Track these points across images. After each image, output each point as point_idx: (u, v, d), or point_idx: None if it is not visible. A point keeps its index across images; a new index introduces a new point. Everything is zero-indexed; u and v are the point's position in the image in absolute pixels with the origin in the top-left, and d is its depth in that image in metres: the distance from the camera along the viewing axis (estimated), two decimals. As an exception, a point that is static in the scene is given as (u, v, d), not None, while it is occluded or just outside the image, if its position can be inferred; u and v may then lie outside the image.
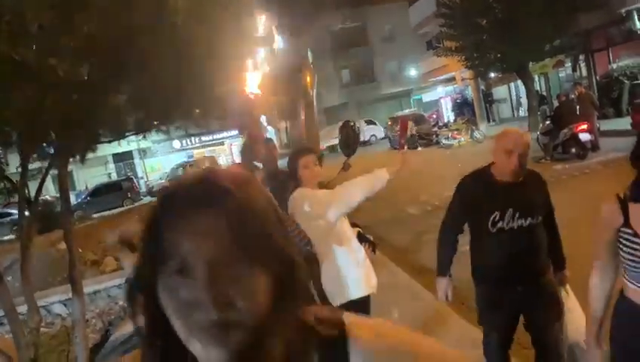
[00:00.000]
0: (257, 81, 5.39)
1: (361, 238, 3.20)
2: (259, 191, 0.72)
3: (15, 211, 20.99)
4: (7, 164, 4.80)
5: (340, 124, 4.93)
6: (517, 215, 2.56)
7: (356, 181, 3.03)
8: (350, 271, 3.07)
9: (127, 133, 5.60)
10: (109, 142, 5.34)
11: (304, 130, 5.00)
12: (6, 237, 19.10)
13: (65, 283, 8.54)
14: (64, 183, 5.10)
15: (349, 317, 0.75)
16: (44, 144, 4.85)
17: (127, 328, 5.35)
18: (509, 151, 2.52)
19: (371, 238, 3.27)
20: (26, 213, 4.78)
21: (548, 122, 12.83)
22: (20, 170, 4.33)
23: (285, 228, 0.73)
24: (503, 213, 2.55)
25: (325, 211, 2.98)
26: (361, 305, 3.07)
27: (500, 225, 2.55)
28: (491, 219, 2.55)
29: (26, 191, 4.50)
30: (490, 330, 2.84)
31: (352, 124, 5.14)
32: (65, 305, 7.44)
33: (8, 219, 19.86)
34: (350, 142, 4.61)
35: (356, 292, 3.08)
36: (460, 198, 2.77)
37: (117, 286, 7.92)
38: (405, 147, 3.10)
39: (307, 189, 3.10)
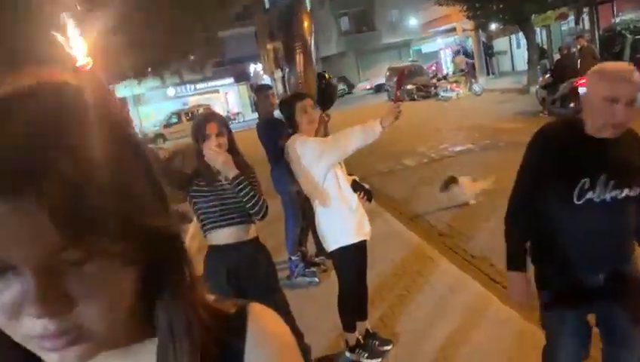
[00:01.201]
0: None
1: (356, 187, 3.21)
2: (115, 137, 0.50)
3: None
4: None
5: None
6: (611, 183, 1.92)
7: (349, 131, 3.04)
8: (342, 218, 3.11)
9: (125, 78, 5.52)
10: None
11: (302, 79, 4.91)
12: None
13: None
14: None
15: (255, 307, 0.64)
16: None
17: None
18: (611, 98, 1.84)
19: (367, 187, 3.27)
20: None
21: (548, 75, 12.71)
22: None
23: (160, 190, 0.55)
24: (595, 179, 1.90)
25: (318, 159, 3.01)
26: (352, 252, 3.14)
27: (589, 195, 1.91)
28: (579, 186, 1.91)
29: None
30: (559, 334, 2.13)
31: (327, 76, 5.11)
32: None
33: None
34: (326, 95, 4.60)
35: (347, 239, 3.13)
36: (541, 155, 2.01)
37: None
38: (400, 100, 3.05)
39: (302, 135, 3.10)
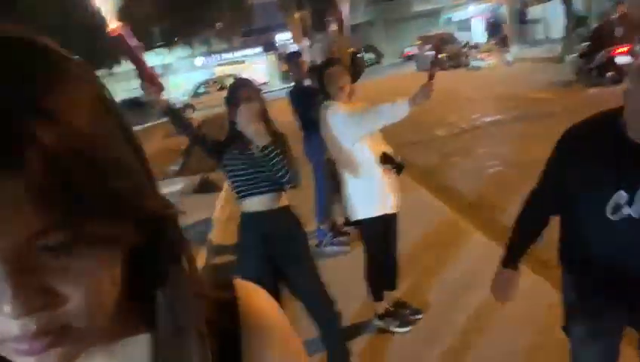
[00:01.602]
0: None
1: (387, 159, 3.15)
2: (97, 112, 0.44)
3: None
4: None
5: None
6: None
7: (378, 107, 3.01)
8: (365, 190, 3.11)
9: (154, 45, 5.52)
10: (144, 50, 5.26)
11: (335, 47, 4.83)
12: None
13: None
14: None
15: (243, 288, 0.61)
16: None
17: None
18: None
19: (398, 159, 3.20)
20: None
21: (584, 44, 12.26)
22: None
23: (149, 168, 0.49)
24: (634, 192, 1.56)
25: (346, 130, 2.99)
26: (375, 224, 3.13)
27: (626, 210, 1.58)
28: (613, 199, 1.59)
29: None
30: (588, 351, 1.90)
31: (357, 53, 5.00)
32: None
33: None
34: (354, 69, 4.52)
35: (369, 211, 3.12)
36: (566, 160, 1.72)
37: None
38: (433, 78, 2.93)
39: (334, 103, 3.06)
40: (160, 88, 2.66)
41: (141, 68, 2.55)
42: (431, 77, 2.91)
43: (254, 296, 0.61)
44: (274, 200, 2.58)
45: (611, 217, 1.62)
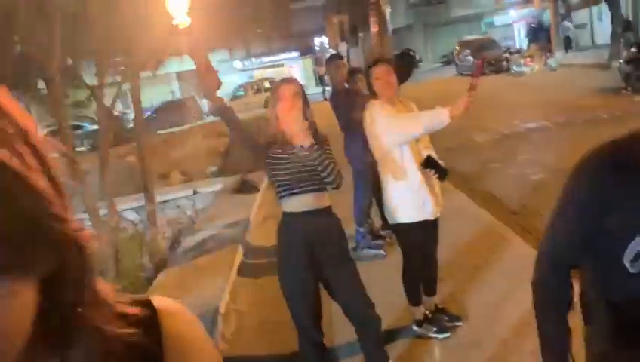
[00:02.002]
0: None
1: (431, 163, 3.08)
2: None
3: (85, 124, 22.02)
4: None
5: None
6: None
7: (418, 115, 2.97)
8: (402, 195, 3.06)
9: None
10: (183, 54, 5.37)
11: (377, 47, 4.83)
12: (78, 149, 20.14)
13: (137, 193, 9.03)
14: (137, 95, 5.23)
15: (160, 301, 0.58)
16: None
17: (197, 235, 5.64)
18: None
19: (442, 164, 3.13)
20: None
21: (633, 49, 11.86)
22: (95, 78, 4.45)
23: (61, 186, 0.46)
24: None
25: (382, 136, 2.96)
26: (412, 230, 3.09)
27: None
28: (631, 246, 1.15)
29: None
30: None
31: (411, 53, 4.94)
32: (136, 212, 7.87)
33: (80, 131, 20.81)
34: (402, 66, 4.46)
35: (406, 217, 3.07)
36: (585, 193, 1.22)
37: (185, 198, 8.27)
38: (474, 89, 2.82)
39: (377, 103, 3.04)
40: (218, 84, 2.69)
41: (200, 63, 2.58)
42: (472, 88, 2.80)
43: (177, 316, 0.59)
44: (318, 200, 2.57)
45: (631, 269, 1.17)
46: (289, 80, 2.72)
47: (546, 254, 1.41)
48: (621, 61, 12.12)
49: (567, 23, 23.44)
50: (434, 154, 3.13)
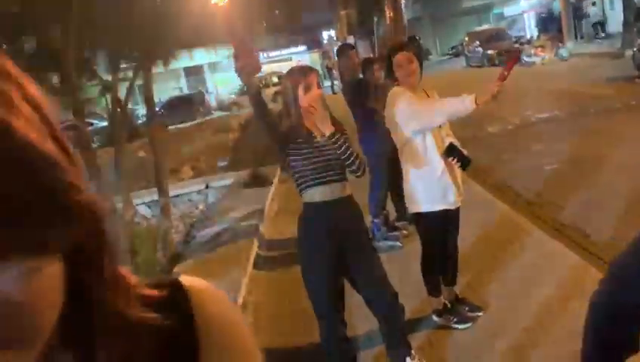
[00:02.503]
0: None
1: (453, 151, 3.04)
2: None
3: (96, 121, 22.15)
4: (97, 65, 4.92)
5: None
6: None
7: (443, 102, 2.91)
8: (424, 184, 3.02)
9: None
10: (193, 47, 5.36)
11: (392, 30, 4.77)
12: (90, 145, 20.22)
13: (148, 188, 9.06)
14: (149, 90, 5.23)
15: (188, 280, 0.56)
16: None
17: (210, 229, 5.64)
18: None
19: (465, 152, 3.08)
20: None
21: (647, 38, 11.71)
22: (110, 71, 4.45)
23: (74, 156, 0.43)
24: None
25: (408, 119, 2.91)
26: (432, 219, 3.06)
27: None
28: None
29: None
30: None
31: (418, 38, 4.86)
32: (149, 207, 7.90)
33: (90, 128, 20.92)
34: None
35: (427, 206, 3.04)
36: None
37: (197, 192, 8.29)
38: (505, 79, 2.77)
39: (399, 90, 2.99)
40: (258, 67, 2.66)
41: (239, 43, 2.55)
42: (502, 77, 2.75)
43: (208, 296, 0.56)
44: (341, 190, 2.55)
45: None
46: (307, 67, 2.69)
47: (614, 294, 1.34)
48: (635, 49, 11.96)
49: (594, 9, 23.13)
50: (456, 142, 3.09)
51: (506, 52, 21.83)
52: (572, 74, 15.17)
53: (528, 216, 4.93)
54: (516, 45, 22.20)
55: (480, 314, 3.27)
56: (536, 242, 4.24)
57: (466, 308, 3.29)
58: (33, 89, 0.42)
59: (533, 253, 4.02)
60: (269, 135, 2.60)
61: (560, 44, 19.72)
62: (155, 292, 0.51)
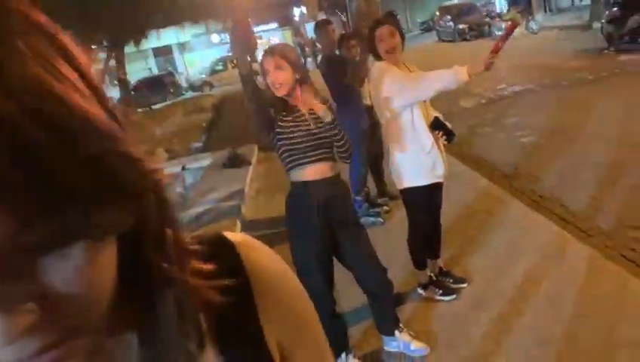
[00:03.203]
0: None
1: (438, 125, 3.06)
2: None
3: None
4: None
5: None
6: None
7: (433, 75, 2.86)
8: (413, 158, 3.01)
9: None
10: (164, 26, 5.23)
11: (365, 11, 4.71)
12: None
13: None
14: (122, 71, 5.09)
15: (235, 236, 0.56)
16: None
17: (190, 211, 5.59)
18: None
19: (449, 126, 3.10)
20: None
21: (614, 9, 11.88)
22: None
23: (116, 115, 0.38)
24: None
25: (397, 94, 2.89)
26: (421, 193, 3.08)
27: None
28: None
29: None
30: None
31: (396, 13, 4.83)
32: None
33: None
34: None
35: (416, 181, 3.05)
36: None
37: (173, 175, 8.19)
38: (497, 52, 2.75)
39: (383, 65, 2.98)
40: (255, 47, 2.59)
41: (240, 22, 2.47)
42: (496, 49, 2.74)
43: (256, 249, 0.56)
44: (332, 168, 2.54)
45: None
46: (290, 47, 2.65)
47: None
48: (603, 21, 12.14)
49: None
50: (441, 117, 3.10)
51: (476, 25, 21.94)
52: (543, 47, 15.35)
53: (506, 189, 5.02)
54: (487, 19, 22.33)
55: (464, 285, 3.34)
56: (516, 214, 4.32)
57: (451, 281, 3.35)
58: (73, 46, 0.37)
59: (512, 225, 4.10)
60: (258, 115, 2.56)
61: (530, 18, 19.87)
62: (203, 248, 0.50)
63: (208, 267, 0.48)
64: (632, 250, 3.56)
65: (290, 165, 2.51)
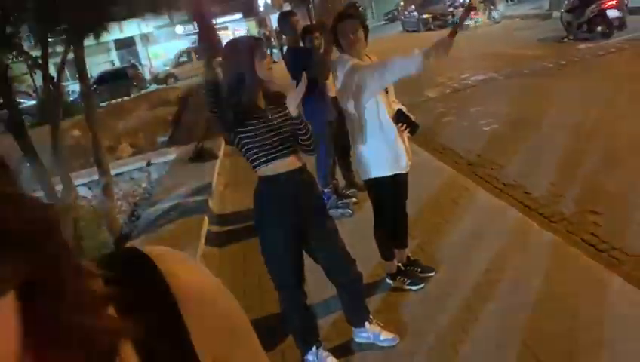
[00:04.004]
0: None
1: (401, 117, 3.07)
2: None
3: (23, 100, 20.90)
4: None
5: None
6: None
7: (392, 60, 2.85)
8: (377, 149, 3.03)
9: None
10: (125, 18, 5.10)
11: (329, 3, 4.70)
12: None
13: (85, 168, 8.69)
14: (82, 64, 4.96)
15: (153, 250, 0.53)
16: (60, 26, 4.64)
17: (156, 207, 5.50)
18: None
19: (412, 118, 3.12)
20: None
21: (573, -1, 12.14)
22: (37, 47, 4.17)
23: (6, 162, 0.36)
24: None
25: (359, 85, 2.89)
26: (385, 184, 3.10)
27: None
28: None
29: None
30: None
31: (357, 5, 4.82)
32: (89, 187, 7.60)
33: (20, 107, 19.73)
34: None
35: (380, 172, 3.07)
36: None
37: (138, 170, 8.04)
38: (454, 35, 2.78)
39: (345, 57, 2.98)
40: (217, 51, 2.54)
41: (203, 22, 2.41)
42: (452, 34, 2.77)
43: (177, 262, 0.53)
44: (297, 160, 2.53)
45: None
46: (254, 37, 2.61)
47: None
48: (562, 10, 12.39)
49: None
50: (403, 109, 3.12)
51: (440, 15, 22.13)
52: (505, 36, 15.61)
53: (471, 177, 5.10)
54: (451, 9, 22.53)
55: (432, 274, 3.38)
56: (480, 201, 4.40)
57: (418, 270, 3.39)
58: None
59: (477, 213, 4.17)
60: (222, 119, 2.49)
61: (492, 7, 20.15)
62: (119, 271, 0.47)
63: (125, 295, 0.45)
64: (592, 235, 3.67)
65: (256, 162, 2.47)
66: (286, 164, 2.48)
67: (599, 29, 10.95)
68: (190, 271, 0.54)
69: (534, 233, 3.67)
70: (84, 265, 0.44)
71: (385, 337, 2.82)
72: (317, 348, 2.73)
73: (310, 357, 2.73)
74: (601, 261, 3.25)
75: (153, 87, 28.71)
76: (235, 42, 2.61)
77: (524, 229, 3.75)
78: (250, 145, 2.44)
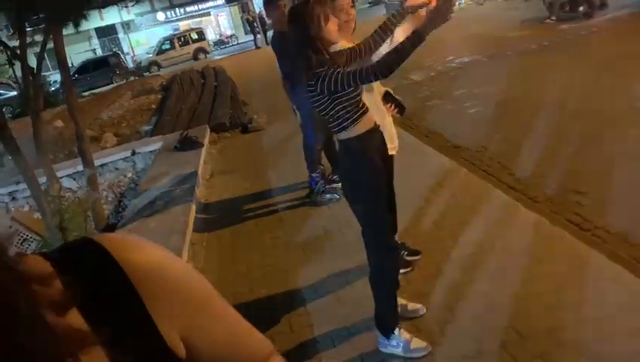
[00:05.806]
0: None
1: (389, 98, 3.06)
2: None
3: (4, 91, 20.49)
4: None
5: None
6: None
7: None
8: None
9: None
10: (104, 6, 5.02)
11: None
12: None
13: (69, 159, 8.59)
14: (62, 54, 4.88)
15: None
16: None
17: (142, 197, 5.46)
18: None
19: (399, 99, 3.11)
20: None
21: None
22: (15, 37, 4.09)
23: None
24: None
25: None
26: None
27: None
28: None
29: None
30: None
31: None
32: (74, 179, 7.52)
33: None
34: None
35: None
36: None
37: (123, 160, 7.96)
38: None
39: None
40: None
41: None
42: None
43: (127, 244, 0.54)
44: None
45: None
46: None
47: None
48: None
49: None
50: (391, 90, 3.11)
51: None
52: (489, 18, 15.61)
53: (456, 160, 5.13)
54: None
55: (418, 257, 3.41)
56: (465, 184, 4.43)
57: (406, 253, 3.42)
58: None
59: (463, 195, 4.21)
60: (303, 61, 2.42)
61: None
62: (69, 263, 0.48)
63: (85, 293, 0.46)
64: (576, 214, 3.72)
65: (348, 121, 2.45)
66: (369, 119, 2.53)
67: (581, 9, 11.00)
68: (138, 250, 0.54)
69: (520, 214, 3.71)
70: (38, 269, 0.45)
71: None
72: (399, 329, 2.69)
73: (394, 341, 2.66)
74: (585, 240, 3.29)
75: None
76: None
77: (510, 210, 3.79)
78: (346, 103, 2.42)
